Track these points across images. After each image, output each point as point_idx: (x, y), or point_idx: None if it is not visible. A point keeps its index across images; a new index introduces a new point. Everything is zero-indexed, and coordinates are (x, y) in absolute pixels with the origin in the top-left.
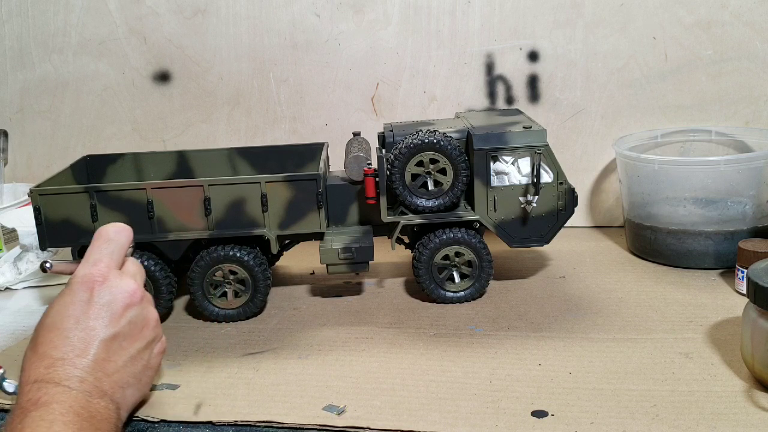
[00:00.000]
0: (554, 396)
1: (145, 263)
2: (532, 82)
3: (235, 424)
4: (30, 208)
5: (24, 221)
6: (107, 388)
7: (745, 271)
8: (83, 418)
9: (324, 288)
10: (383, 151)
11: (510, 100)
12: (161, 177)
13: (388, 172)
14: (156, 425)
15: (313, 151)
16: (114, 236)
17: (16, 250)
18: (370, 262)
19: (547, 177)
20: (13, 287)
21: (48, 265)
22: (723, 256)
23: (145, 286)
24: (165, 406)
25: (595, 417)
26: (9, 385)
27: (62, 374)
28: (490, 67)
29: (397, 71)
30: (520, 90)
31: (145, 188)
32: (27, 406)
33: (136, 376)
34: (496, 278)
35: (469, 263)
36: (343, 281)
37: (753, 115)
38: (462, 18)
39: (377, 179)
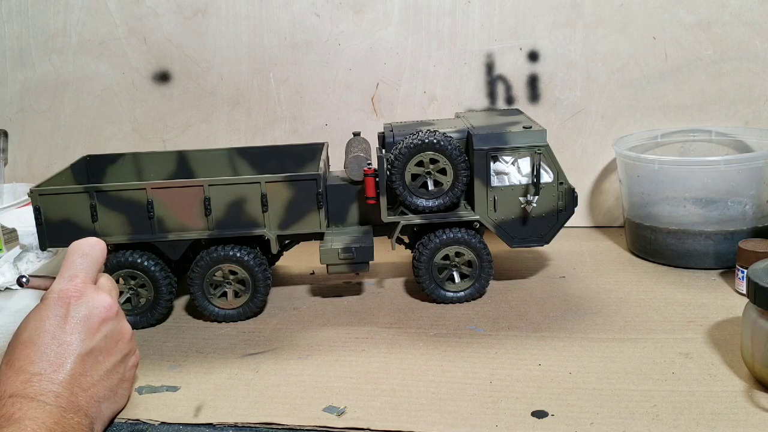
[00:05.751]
0: (554, 396)
1: (145, 263)
2: (532, 82)
3: (235, 426)
4: (30, 208)
5: (24, 221)
6: (83, 403)
7: (745, 271)
8: None
9: (324, 288)
10: (383, 151)
11: (510, 100)
12: (161, 177)
13: (388, 172)
14: (157, 427)
15: (313, 151)
16: (88, 250)
17: (16, 250)
18: (370, 262)
19: (547, 177)
20: (13, 287)
21: (24, 279)
22: (723, 256)
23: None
24: (165, 409)
25: (595, 417)
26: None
27: (38, 389)
28: (490, 67)
29: (397, 71)
30: (520, 90)
31: (145, 188)
32: (0, 422)
33: (112, 390)
34: (496, 278)
35: (469, 263)
36: (343, 281)
37: (753, 115)
38: (462, 18)
39: (377, 179)
